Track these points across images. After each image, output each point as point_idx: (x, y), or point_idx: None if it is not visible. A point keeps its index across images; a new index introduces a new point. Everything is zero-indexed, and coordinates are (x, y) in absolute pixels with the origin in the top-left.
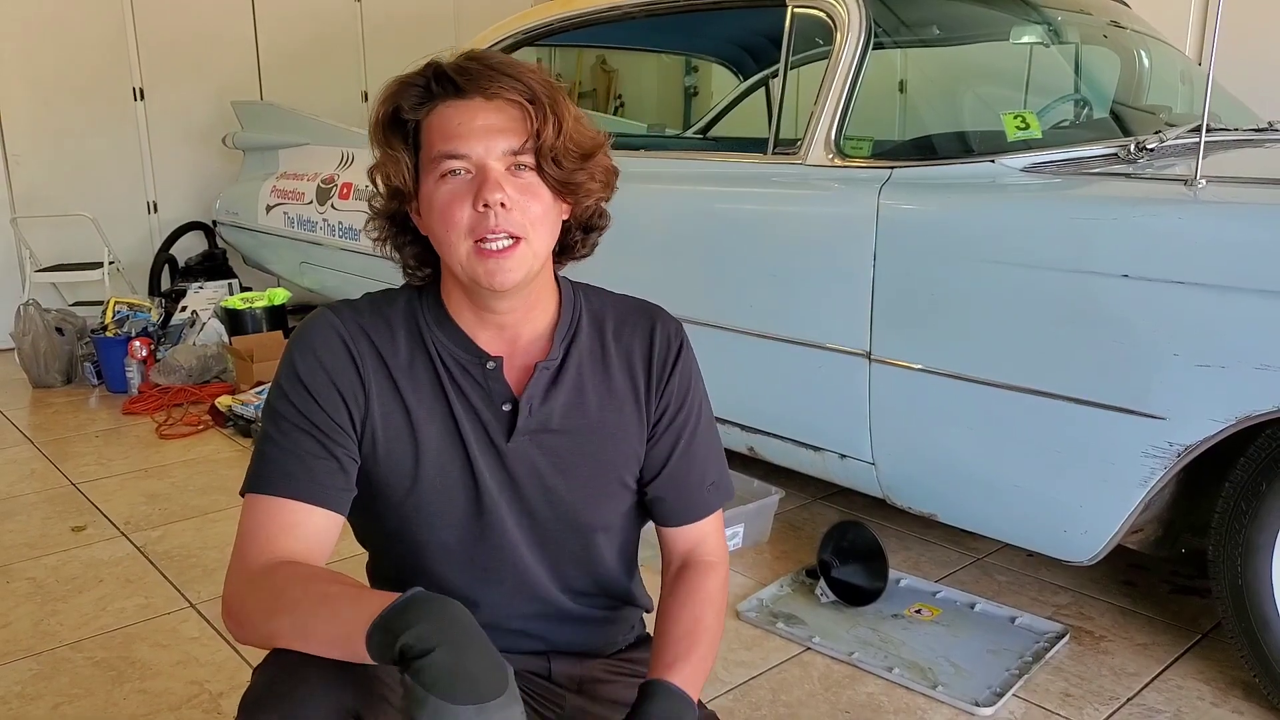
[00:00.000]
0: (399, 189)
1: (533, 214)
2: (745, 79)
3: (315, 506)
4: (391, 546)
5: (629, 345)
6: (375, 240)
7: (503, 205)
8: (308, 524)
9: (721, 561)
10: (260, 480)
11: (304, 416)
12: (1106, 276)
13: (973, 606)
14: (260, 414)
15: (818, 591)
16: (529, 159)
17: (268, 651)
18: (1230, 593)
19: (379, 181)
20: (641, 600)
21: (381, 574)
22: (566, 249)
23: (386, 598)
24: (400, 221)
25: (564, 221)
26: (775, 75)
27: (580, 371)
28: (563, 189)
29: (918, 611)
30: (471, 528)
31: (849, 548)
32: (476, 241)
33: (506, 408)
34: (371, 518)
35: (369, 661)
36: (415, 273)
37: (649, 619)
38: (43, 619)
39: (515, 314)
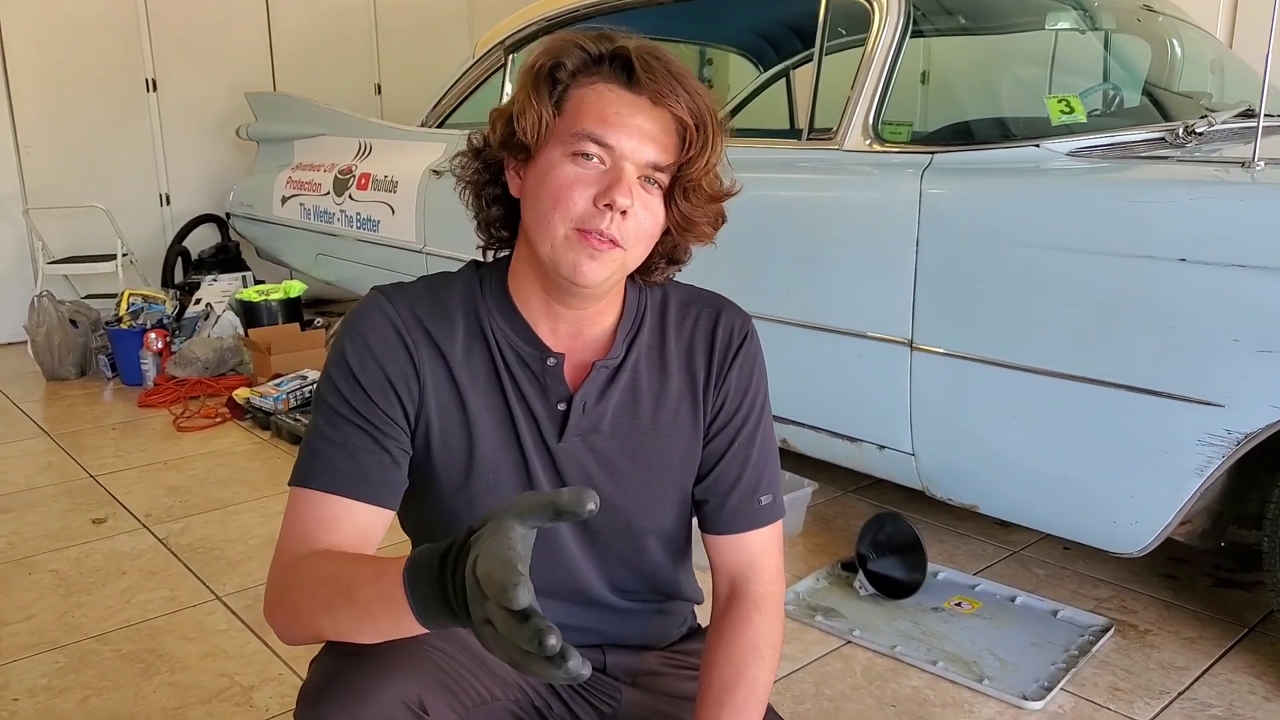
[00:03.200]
0: (520, 141)
1: (644, 229)
2: (765, 70)
3: (361, 502)
4: (439, 539)
5: (691, 336)
6: (460, 180)
7: (623, 213)
8: (350, 518)
9: (773, 596)
10: (307, 474)
11: (354, 409)
12: (1162, 260)
13: (1013, 600)
14: (313, 401)
15: (856, 584)
16: (665, 178)
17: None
18: None
19: (499, 125)
20: (690, 593)
21: None
22: (642, 269)
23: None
24: (494, 172)
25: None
26: (798, 65)
27: (637, 370)
28: (680, 222)
29: (958, 604)
30: None
31: (887, 541)
32: (579, 230)
33: (561, 407)
34: (420, 509)
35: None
36: (493, 232)
37: (700, 611)
38: (67, 611)
39: (584, 312)
